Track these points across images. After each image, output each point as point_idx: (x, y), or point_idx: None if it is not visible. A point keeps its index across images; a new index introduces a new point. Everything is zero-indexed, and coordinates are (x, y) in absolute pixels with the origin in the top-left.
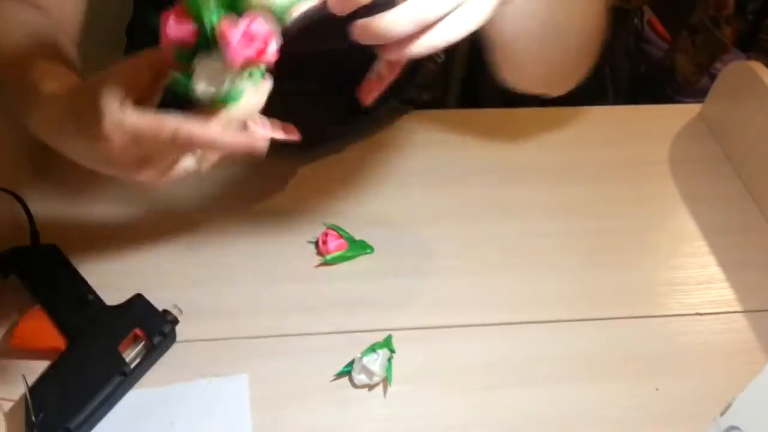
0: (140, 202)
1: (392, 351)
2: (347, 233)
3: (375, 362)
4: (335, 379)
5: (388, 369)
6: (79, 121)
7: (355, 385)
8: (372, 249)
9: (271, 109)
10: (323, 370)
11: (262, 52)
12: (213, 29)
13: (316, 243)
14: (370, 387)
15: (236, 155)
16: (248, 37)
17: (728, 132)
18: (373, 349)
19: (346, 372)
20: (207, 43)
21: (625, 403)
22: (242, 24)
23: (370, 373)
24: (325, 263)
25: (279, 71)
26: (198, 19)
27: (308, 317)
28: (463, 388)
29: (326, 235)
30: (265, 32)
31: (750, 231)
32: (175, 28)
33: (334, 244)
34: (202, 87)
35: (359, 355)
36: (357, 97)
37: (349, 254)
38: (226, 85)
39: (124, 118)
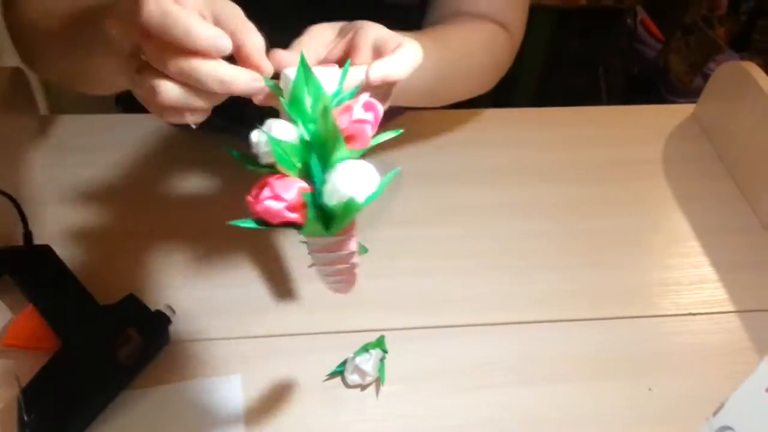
0: (133, 203)
1: (385, 351)
2: None
3: (368, 362)
4: (328, 380)
5: (380, 369)
6: None
7: (347, 386)
8: (365, 249)
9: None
10: (316, 370)
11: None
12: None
13: None
14: (363, 387)
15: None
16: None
17: (721, 132)
18: (365, 349)
19: (339, 372)
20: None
21: (619, 402)
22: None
23: (362, 374)
24: None
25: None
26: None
27: (301, 317)
28: (457, 389)
29: None
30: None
31: (743, 231)
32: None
33: None
34: None
35: (352, 356)
36: None
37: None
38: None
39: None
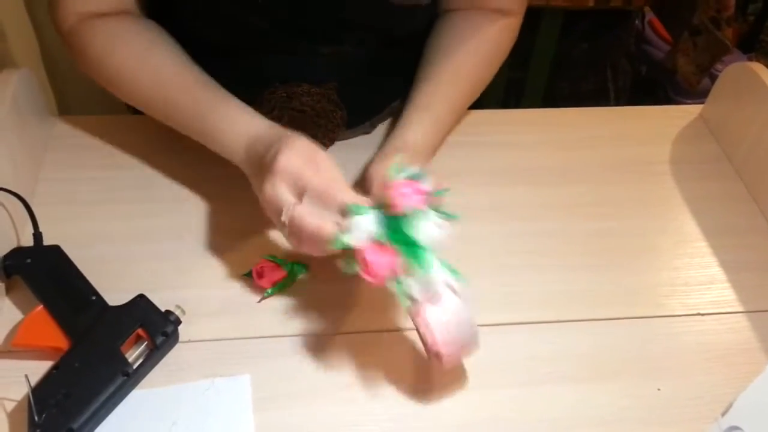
0: (142, 203)
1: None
2: None
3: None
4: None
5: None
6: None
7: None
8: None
9: (280, 119)
10: (326, 370)
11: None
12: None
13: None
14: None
15: None
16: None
17: (729, 133)
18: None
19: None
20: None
21: (627, 403)
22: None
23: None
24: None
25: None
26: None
27: (311, 318)
28: (465, 388)
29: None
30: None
31: (751, 232)
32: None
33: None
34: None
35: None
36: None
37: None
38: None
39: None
